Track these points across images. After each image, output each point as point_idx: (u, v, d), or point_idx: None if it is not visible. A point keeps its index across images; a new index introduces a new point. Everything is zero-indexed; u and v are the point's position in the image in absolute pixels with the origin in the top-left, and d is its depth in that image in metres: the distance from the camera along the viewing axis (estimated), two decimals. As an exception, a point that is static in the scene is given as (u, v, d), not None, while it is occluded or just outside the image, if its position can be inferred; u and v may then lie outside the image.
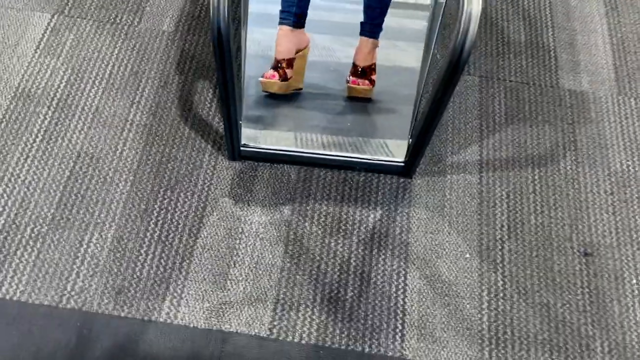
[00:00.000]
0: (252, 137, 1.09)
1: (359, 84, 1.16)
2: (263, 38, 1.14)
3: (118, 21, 1.25)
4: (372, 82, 1.16)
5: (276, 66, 1.14)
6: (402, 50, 1.19)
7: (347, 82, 1.16)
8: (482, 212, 1.08)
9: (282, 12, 1.12)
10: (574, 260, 1.04)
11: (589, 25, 1.34)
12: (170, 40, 1.24)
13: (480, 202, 1.09)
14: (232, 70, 0.85)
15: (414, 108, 1.09)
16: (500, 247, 1.05)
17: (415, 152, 1.02)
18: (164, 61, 1.21)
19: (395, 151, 1.10)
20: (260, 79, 1.14)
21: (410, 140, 1.05)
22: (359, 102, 1.17)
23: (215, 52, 0.80)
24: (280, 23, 1.13)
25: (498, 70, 1.26)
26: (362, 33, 1.14)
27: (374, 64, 1.16)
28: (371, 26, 1.13)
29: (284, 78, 1.14)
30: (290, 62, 1.14)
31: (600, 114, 1.22)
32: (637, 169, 1.15)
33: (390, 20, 1.11)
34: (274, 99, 1.14)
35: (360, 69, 1.15)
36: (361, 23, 1.13)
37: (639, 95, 1.24)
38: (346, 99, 1.16)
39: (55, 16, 1.25)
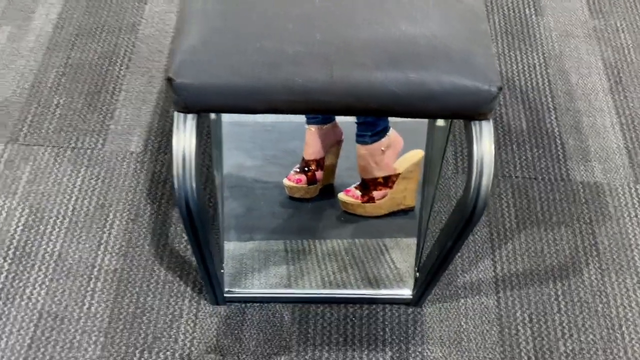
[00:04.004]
0: (237, 254, 0.97)
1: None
2: (240, 130, 1.03)
3: (80, 145, 1.13)
4: None
5: (303, 168, 1.02)
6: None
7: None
8: (504, 342, 0.96)
9: None
10: (614, 393, 0.92)
11: (593, 104, 1.24)
12: (140, 162, 1.12)
13: (500, 330, 0.97)
14: (207, 237, 0.72)
15: (418, 239, 0.97)
16: (529, 387, 0.92)
17: (423, 287, 0.90)
18: (133, 188, 1.09)
19: (398, 258, 0.98)
20: (285, 181, 1.03)
21: (418, 274, 0.93)
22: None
23: (187, 227, 0.68)
24: (308, 122, 1.02)
25: (502, 166, 1.15)
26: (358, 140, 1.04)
27: None
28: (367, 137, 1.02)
29: (312, 181, 1.03)
30: (320, 163, 1.03)
31: (619, 208, 1.10)
32: (668, 272, 1.03)
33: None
34: (296, 201, 1.03)
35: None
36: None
37: (659, 182, 1.13)
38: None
39: (9, 145, 1.12)
